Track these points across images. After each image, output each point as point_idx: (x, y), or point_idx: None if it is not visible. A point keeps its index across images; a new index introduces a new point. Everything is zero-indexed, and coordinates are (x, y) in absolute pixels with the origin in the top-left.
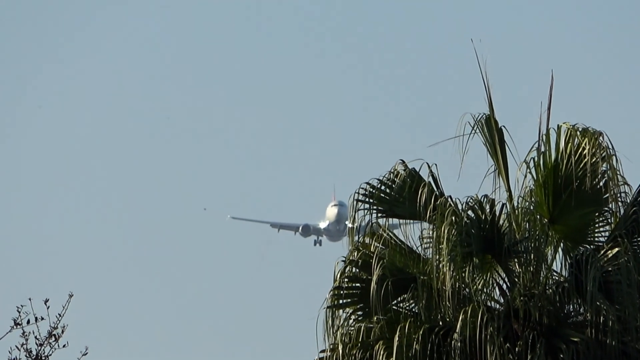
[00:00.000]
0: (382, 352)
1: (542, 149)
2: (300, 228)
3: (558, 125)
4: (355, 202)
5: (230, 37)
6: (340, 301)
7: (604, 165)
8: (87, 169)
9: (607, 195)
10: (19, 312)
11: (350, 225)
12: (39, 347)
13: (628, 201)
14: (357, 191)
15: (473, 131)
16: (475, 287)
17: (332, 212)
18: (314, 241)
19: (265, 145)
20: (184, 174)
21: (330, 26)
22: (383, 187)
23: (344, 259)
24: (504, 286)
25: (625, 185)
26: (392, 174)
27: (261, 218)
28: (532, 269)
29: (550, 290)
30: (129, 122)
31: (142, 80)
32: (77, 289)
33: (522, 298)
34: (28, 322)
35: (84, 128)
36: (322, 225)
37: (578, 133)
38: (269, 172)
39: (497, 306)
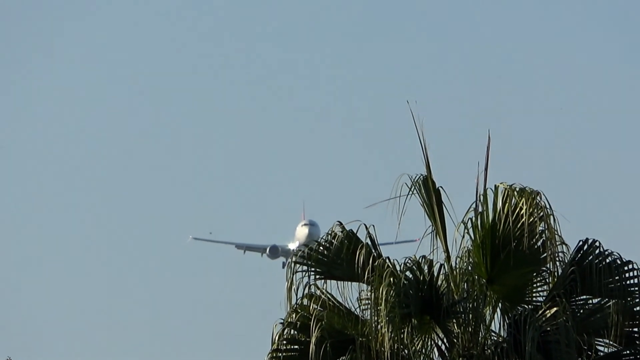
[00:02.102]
0: None
1: (480, 210)
2: (268, 249)
3: (495, 185)
4: (293, 264)
5: (183, 52)
6: None
7: (541, 225)
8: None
9: (545, 254)
10: None
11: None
12: None
13: (566, 261)
14: (294, 253)
15: (410, 192)
16: (414, 348)
17: (302, 232)
18: (282, 263)
19: (228, 161)
20: (143, 191)
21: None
22: (321, 249)
23: (282, 321)
24: (443, 347)
25: (563, 245)
26: (329, 236)
27: (225, 239)
28: (470, 329)
29: (489, 351)
30: (90, 138)
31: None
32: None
33: (461, 359)
34: None
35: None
36: (292, 246)
37: (515, 193)
38: (233, 189)
39: None
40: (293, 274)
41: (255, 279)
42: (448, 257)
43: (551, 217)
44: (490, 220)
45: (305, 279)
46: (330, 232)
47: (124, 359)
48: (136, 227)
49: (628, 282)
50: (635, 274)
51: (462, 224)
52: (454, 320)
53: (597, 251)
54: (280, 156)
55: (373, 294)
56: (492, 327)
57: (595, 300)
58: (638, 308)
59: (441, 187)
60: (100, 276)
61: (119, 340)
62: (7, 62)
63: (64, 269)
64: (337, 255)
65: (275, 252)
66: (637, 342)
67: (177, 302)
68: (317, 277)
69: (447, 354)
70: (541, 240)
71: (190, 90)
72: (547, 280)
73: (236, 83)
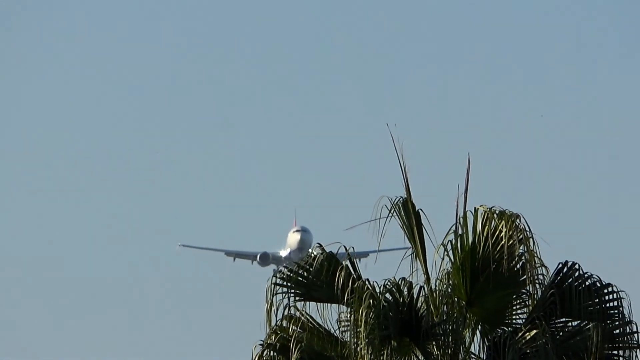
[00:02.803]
0: None
1: (459, 232)
2: (258, 256)
3: (475, 208)
4: (272, 286)
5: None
6: None
7: (521, 247)
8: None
9: (525, 277)
10: None
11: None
12: None
13: (545, 283)
14: (274, 275)
15: (390, 214)
16: None
17: (294, 238)
18: (273, 271)
19: (218, 167)
20: (131, 197)
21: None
22: (301, 271)
23: (261, 342)
24: None
25: (543, 267)
26: (309, 258)
27: (214, 246)
28: (450, 351)
29: None
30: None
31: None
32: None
33: None
34: None
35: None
36: (283, 253)
37: (495, 216)
38: (223, 195)
39: None
40: (273, 296)
41: (244, 287)
42: (428, 279)
43: (531, 239)
44: (470, 243)
45: (285, 301)
46: (310, 253)
47: None
48: (124, 234)
49: (607, 304)
50: (615, 296)
51: (442, 246)
52: (434, 342)
53: (576, 274)
54: (271, 162)
55: (353, 315)
56: (472, 350)
57: (574, 323)
58: (617, 331)
59: (421, 209)
60: (84, 282)
61: (101, 345)
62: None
63: (49, 276)
64: (317, 276)
65: (266, 259)
66: None
67: (161, 313)
68: (297, 298)
69: None
70: (521, 263)
71: (181, 95)
72: (527, 302)
73: (228, 90)
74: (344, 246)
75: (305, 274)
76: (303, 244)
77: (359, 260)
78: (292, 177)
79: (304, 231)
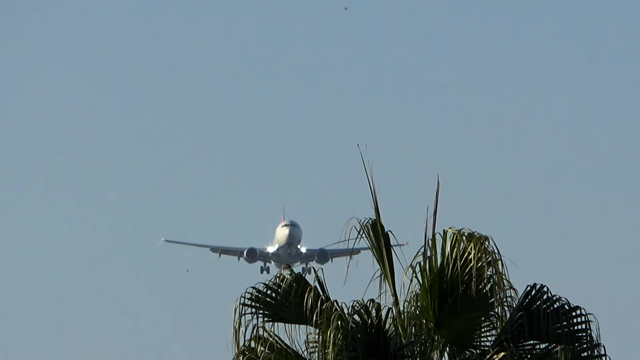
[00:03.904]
0: None
1: (428, 254)
2: (245, 252)
3: (444, 230)
4: (241, 307)
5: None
6: None
7: (489, 269)
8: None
9: (493, 299)
10: None
11: (235, 329)
12: None
13: (514, 305)
14: (243, 295)
15: (359, 236)
16: None
17: (282, 233)
18: (260, 268)
19: (203, 159)
20: (116, 192)
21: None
22: (269, 292)
23: None
24: None
25: (511, 290)
26: (278, 279)
27: (199, 241)
28: None
29: None
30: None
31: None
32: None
33: None
34: None
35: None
36: (271, 249)
37: (464, 238)
38: (207, 188)
39: None
40: (240, 316)
41: (229, 285)
42: (396, 301)
43: (499, 262)
44: (438, 265)
45: (254, 321)
46: (278, 274)
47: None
48: (107, 228)
49: (576, 327)
50: (583, 319)
51: (410, 267)
52: None
53: (545, 296)
54: (259, 157)
55: (321, 337)
56: None
57: (543, 346)
58: (585, 354)
59: (390, 231)
60: (68, 278)
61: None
62: None
63: (34, 272)
64: (286, 297)
65: (252, 255)
66: None
67: (142, 310)
68: (265, 319)
69: None
70: (489, 285)
71: (170, 92)
72: (495, 324)
73: (218, 86)
74: (312, 267)
75: (273, 294)
76: (292, 239)
77: (351, 257)
78: (280, 172)
79: (293, 225)
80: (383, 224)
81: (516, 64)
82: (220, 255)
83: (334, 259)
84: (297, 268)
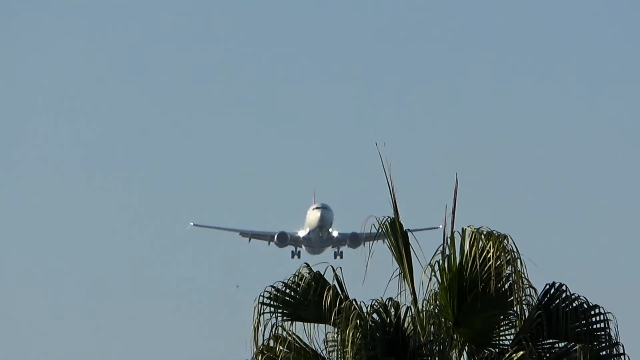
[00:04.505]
0: None
1: (447, 252)
2: (276, 236)
3: (462, 228)
4: (259, 305)
5: (217, 35)
6: None
7: (508, 268)
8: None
9: (512, 298)
10: None
11: (254, 327)
12: None
13: (533, 304)
14: (261, 294)
15: (378, 234)
16: None
17: (313, 216)
18: (291, 252)
19: (233, 143)
20: (143, 175)
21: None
22: (288, 290)
23: None
24: None
25: (530, 289)
26: (296, 277)
27: (228, 225)
28: None
29: None
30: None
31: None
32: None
33: None
34: None
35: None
36: (302, 233)
37: (482, 236)
38: (237, 173)
39: None
40: (260, 315)
41: (260, 270)
42: (415, 300)
43: (518, 260)
44: (457, 263)
45: (273, 320)
46: (297, 273)
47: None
48: (137, 213)
49: (594, 326)
50: (602, 318)
51: (429, 266)
52: None
53: (563, 295)
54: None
55: (340, 336)
56: None
57: (561, 344)
58: (604, 352)
59: (409, 229)
60: (95, 266)
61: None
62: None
63: (58, 261)
64: (304, 296)
65: (283, 239)
66: None
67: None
68: (284, 318)
69: None
70: (508, 284)
71: (197, 76)
72: (514, 323)
73: (243, 73)
74: (331, 266)
75: (292, 293)
76: (323, 222)
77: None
78: (310, 156)
79: (324, 208)
80: (402, 222)
81: (538, 61)
82: (250, 239)
83: (366, 243)
84: (329, 252)
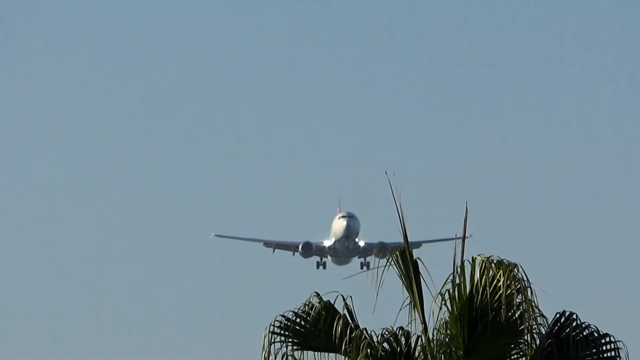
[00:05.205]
0: None
1: (457, 281)
2: (300, 247)
3: (473, 257)
4: (270, 335)
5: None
6: None
7: (519, 297)
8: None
9: (523, 327)
10: None
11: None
12: None
13: (543, 333)
14: (272, 324)
15: (388, 264)
16: None
17: (339, 225)
18: (316, 263)
19: (255, 152)
20: (164, 185)
21: None
22: (298, 320)
23: None
24: None
25: (541, 317)
26: (307, 307)
27: (252, 236)
28: None
29: None
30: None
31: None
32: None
33: None
34: None
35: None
36: (327, 243)
37: (493, 265)
38: (260, 182)
39: None
40: (270, 344)
41: (285, 281)
42: (425, 329)
43: (528, 289)
44: (467, 292)
45: (283, 349)
46: (307, 302)
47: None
48: (159, 223)
49: (605, 355)
50: (612, 346)
51: (439, 295)
52: None
53: (574, 324)
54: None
55: None
56: None
57: None
58: None
59: (419, 258)
60: (115, 277)
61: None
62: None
63: (80, 267)
64: (315, 325)
65: (308, 249)
66: None
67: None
68: (295, 347)
69: None
70: (519, 312)
71: (219, 84)
72: (525, 352)
73: (269, 83)
74: (342, 295)
75: (302, 322)
76: (350, 231)
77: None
78: (336, 164)
79: (350, 217)
80: (412, 251)
81: (549, 90)
82: (274, 250)
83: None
84: (355, 263)
